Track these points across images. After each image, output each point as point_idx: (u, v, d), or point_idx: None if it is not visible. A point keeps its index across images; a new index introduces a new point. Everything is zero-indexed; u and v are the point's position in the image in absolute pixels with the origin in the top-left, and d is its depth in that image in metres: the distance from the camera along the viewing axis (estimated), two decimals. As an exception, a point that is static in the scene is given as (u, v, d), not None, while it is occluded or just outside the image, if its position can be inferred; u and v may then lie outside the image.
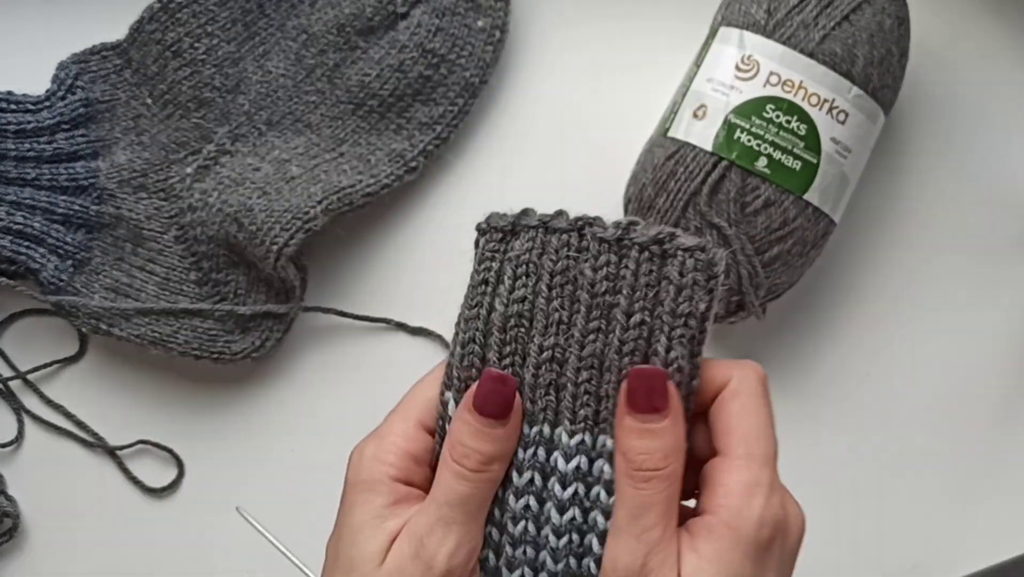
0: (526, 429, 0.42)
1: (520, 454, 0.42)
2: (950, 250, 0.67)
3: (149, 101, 0.66)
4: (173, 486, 0.66)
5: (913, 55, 0.63)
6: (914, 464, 0.66)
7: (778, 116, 0.59)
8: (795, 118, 0.59)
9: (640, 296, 0.41)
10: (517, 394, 0.41)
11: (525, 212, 0.42)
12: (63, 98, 0.65)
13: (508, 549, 0.42)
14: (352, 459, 0.43)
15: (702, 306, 0.40)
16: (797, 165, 0.59)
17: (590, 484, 0.41)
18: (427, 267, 0.67)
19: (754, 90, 0.59)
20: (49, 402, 0.66)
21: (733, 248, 0.59)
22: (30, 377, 0.66)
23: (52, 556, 0.65)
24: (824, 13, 0.59)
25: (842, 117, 0.60)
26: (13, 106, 0.64)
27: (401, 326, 0.66)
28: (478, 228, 0.43)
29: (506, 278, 0.42)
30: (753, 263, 0.59)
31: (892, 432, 0.66)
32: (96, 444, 0.66)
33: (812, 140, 0.59)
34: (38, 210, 0.64)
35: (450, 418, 0.42)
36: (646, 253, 0.41)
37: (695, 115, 0.60)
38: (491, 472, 0.41)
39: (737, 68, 0.60)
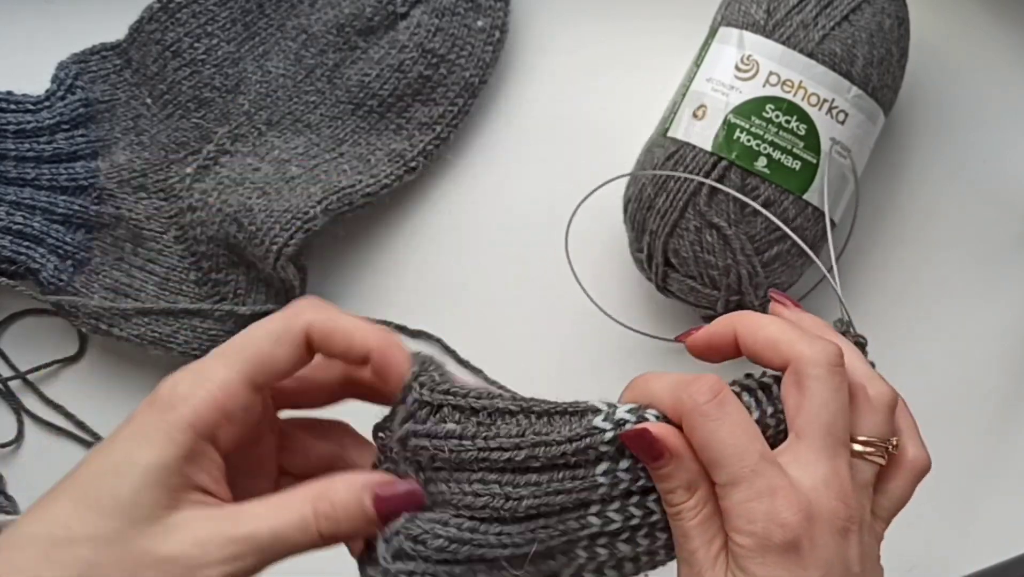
0: None
1: None
2: (950, 250, 0.67)
3: (149, 101, 0.66)
4: (173, 486, 0.66)
5: (913, 55, 0.63)
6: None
7: (778, 116, 0.59)
8: (795, 118, 0.59)
9: None
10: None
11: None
12: (63, 98, 0.65)
13: None
14: (163, 389, 0.38)
15: None
16: (797, 165, 0.59)
17: None
18: (427, 267, 0.67)
19: (754, 90, 0.59)
20: (49, 402, 0.66)
21: (733, 248, 0.59)
22: (30, 377, 0.66)
23: (52, 556, 0.65)
24: (824, 13, 0.59)
25: (842, 117, 0.60)
26: (13, 106, 0.64)
27: (401, 328, 0.66)
28: None
29: None
30: (753, 263, 0.59)
31: (892, 432, 0.66)
32: (96, 444, 0.66)
33: (812, 140, 0.59)
34: (38, 210, 0.64)
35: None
36: None
37: (695, 115, 0.60)
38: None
39: (737, 68, 0.60)
